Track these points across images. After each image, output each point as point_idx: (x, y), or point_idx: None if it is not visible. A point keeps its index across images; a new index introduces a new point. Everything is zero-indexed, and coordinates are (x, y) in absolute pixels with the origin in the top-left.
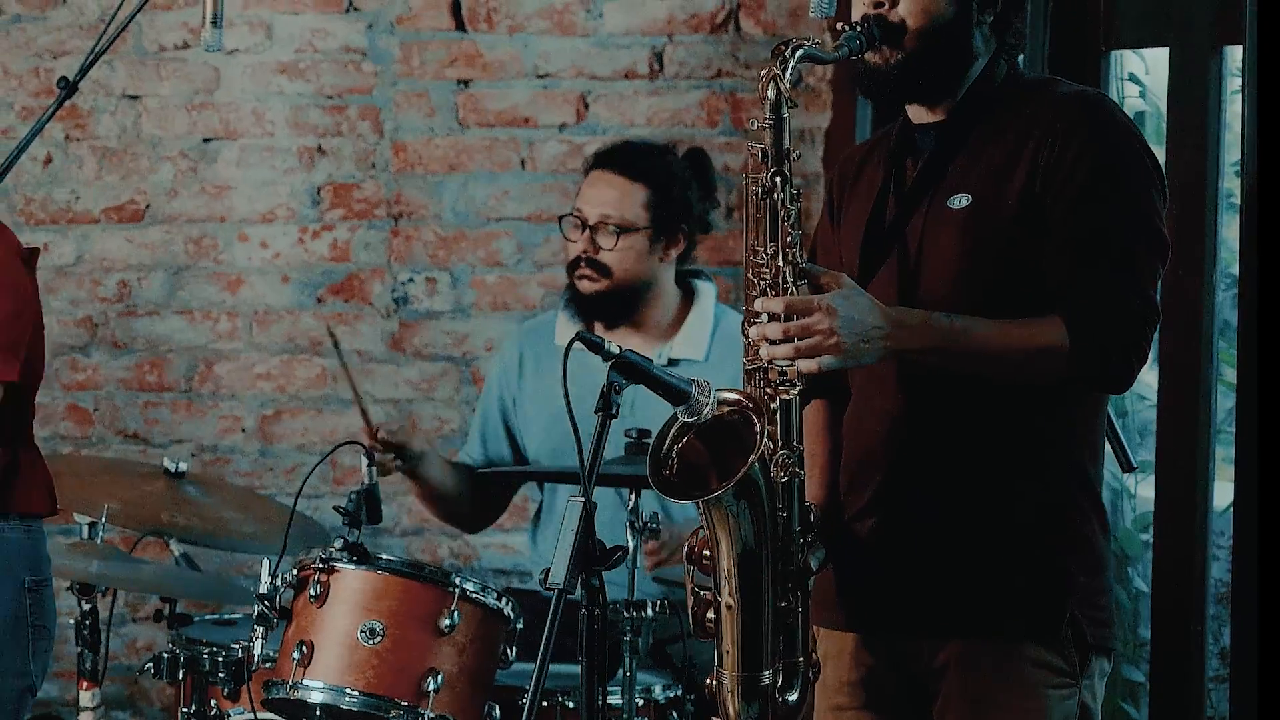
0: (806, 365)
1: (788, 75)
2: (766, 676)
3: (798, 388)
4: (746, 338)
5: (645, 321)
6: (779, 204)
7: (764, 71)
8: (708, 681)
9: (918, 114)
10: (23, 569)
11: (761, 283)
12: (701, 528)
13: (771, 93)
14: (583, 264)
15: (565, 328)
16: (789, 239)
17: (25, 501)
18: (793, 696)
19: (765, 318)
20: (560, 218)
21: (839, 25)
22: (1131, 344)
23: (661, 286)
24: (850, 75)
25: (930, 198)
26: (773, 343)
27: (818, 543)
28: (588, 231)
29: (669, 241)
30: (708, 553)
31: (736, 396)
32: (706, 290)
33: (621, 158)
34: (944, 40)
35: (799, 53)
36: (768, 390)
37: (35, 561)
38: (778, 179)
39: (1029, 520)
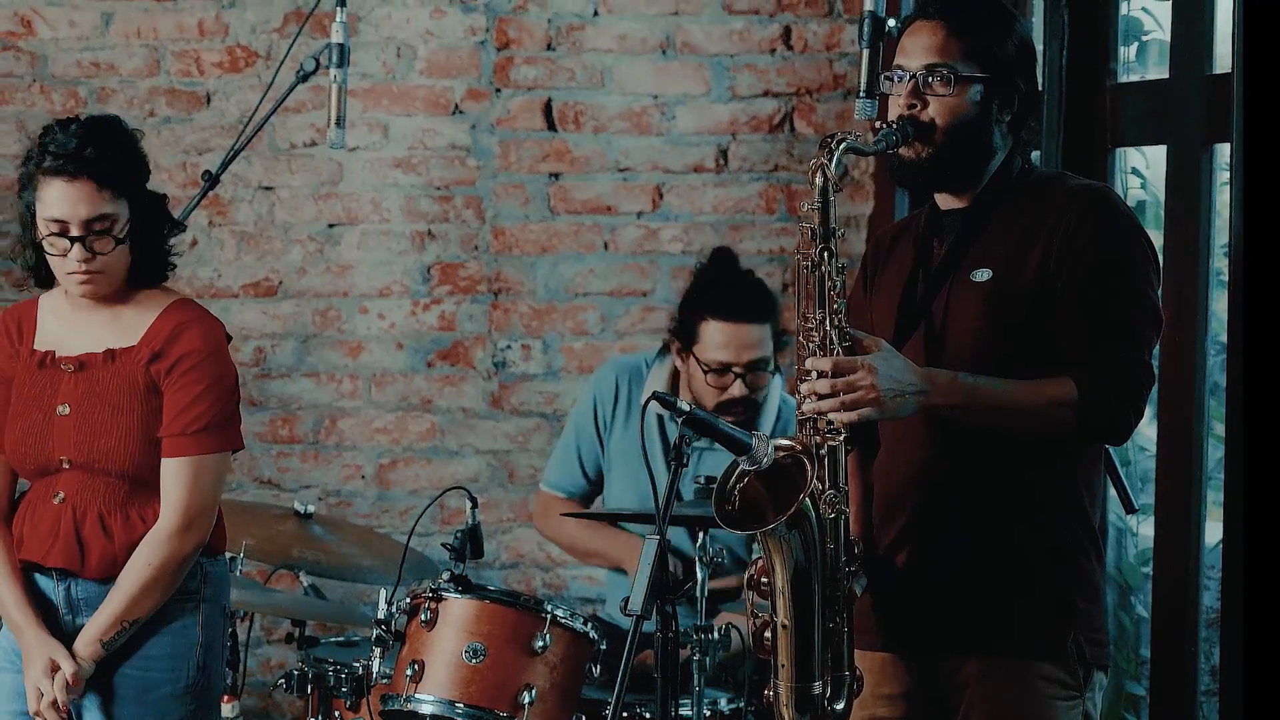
0: (848, 416)
1: (834, 165)
2: (817, 687)
3: (843, 435)
4: (798, 392)
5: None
6: (826, 276)
7: (813, 161)
8: (765, 692)
9: (945, 201)
10: (225, 596)
11: (811, 344)
12: (760, 557)
13: (819, 180)
14: (737, 406)
15: (656, 379)
16: (834, 306)
17: (224, 542)
18: (839, 705)
19: (815, 375)
20: (706, 372)
21: (877, 123)
22: (1130, 403)
23: None
24: (886, 166)
25: (955, 273)
26: (821, 396)
27: (860, 571)
28: (739, 380)
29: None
30: (765, 579)
31: (790, 443)
32: (775, 385)
33: (745, 305)
34: (968, 137)
35: (843, 145)
36: (817, 438)
37: (229, 591)
38: (825, 254)
39: (1037, 555)
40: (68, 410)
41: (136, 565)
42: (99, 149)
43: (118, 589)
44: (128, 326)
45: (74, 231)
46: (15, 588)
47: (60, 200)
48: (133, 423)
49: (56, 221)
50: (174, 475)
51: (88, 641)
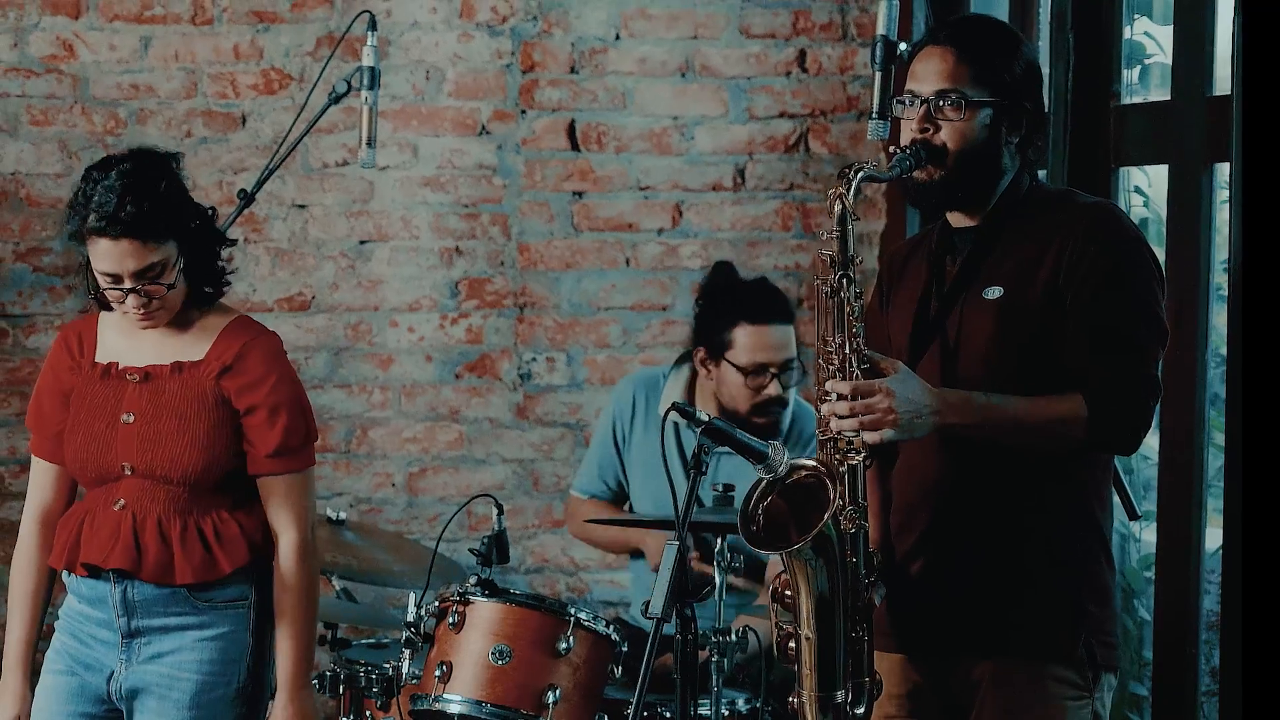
0: (870, 437)
1: (851, 193)
2: (839, 695)
3: (863, 454)
4: (819, 413)
5: None
6: (844, 301)
7: (831, 190)
8: (790, 699)
9: (956, 219)
10: (270, 601)
11: (830, 367)
12: (783, 571)
13: (838, 208)
14: (774, 405)
15: (673, 390)
16: (853, 330)
17: (274, 550)
18: (860, 710)
19: (835, 397)
20: (746, 373)
21: (891, 148)
22: (1139, 414)
23: None
24: (901, 189)
25: (968, 291)
26: (841, 417)
27: (879, 581)
28: (775, 379)
29: None
30: (789, 593)
31: (813, 464)
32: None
33: (773, 307)
34: (979, 159)
35: (860, 174)
36: (837, 456)
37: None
38: (843, 280)
39: (1049, 561)
40: (132, 419)
41: (289, 599)
42: (138, 201)
43: (285, 636)
44: (191, 341)
45: (127, 284)
46: (30, 626)
47: (108, 257)
48: (199, 433)
49: (109, 275)
50: (282, 493)
51: (302, 705)
